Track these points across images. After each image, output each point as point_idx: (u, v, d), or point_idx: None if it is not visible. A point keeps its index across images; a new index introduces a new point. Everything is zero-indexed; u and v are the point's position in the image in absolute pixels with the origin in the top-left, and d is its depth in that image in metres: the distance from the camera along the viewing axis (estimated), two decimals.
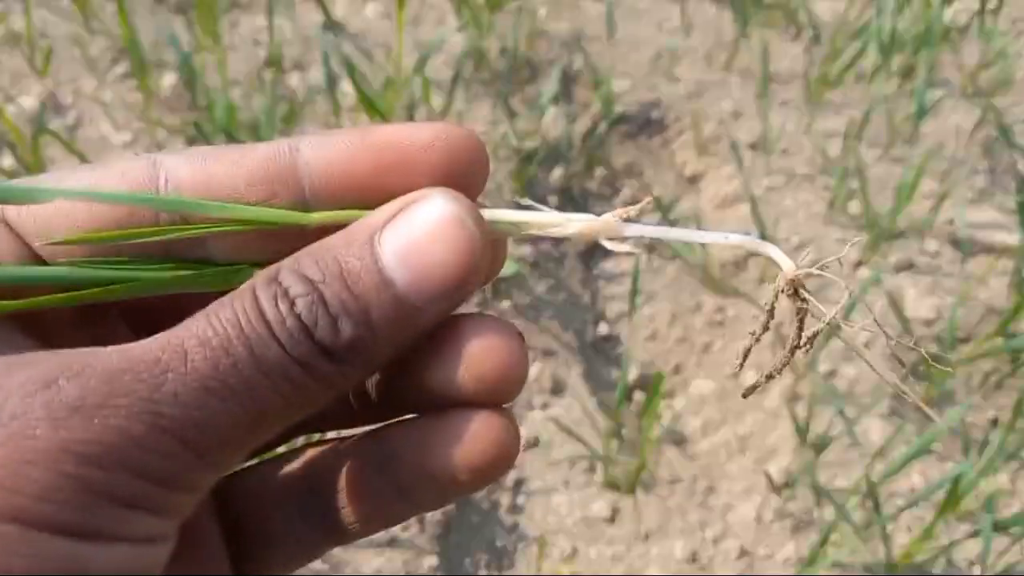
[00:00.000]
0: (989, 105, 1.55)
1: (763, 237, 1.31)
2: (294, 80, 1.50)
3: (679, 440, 1.25)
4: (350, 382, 0.24)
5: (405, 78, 1.36)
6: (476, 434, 0.25)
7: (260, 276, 0.23)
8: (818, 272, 0.24)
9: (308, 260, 0.23)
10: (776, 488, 1.16)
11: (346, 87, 1.43)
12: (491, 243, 0.25)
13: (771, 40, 1.70)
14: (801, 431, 1.10)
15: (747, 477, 1.18)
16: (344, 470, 0.27)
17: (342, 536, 0.27)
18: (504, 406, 0.25)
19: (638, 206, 0.25)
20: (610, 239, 0.25)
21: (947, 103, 1.62)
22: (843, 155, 1.50)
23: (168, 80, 1.47)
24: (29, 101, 1.42)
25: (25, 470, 0.20)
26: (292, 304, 0.23)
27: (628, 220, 0.25)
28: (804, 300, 0.25)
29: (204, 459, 0.22)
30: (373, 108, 1.25)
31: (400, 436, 0.26)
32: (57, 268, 0.25)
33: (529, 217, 0.26)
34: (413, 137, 0.25)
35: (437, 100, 1.46)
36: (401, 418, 0.27)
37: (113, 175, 0.25)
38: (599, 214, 0.26)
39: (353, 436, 0.28)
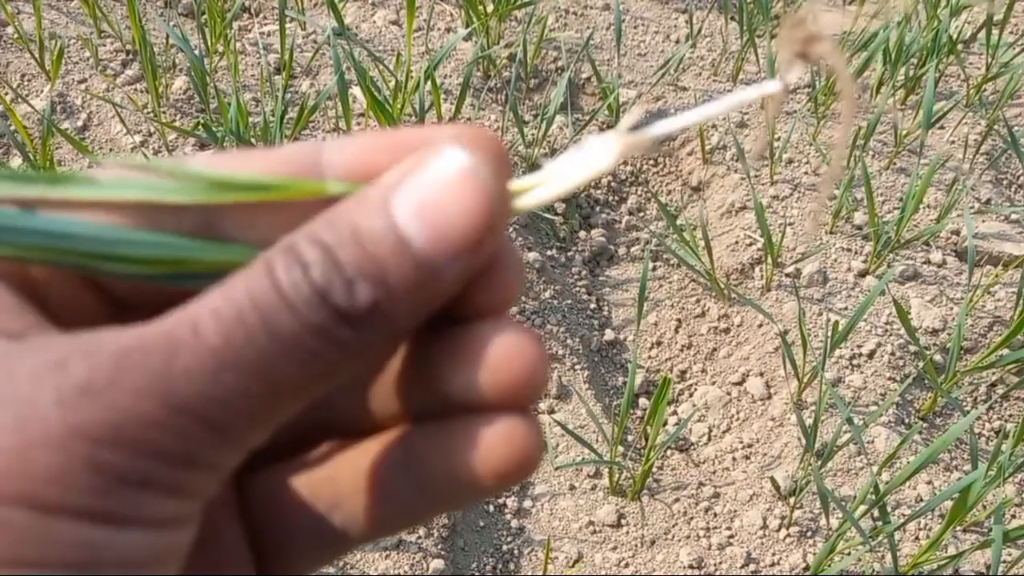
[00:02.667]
0: (995, 116, 1.55)
1: (768, 244, 1.32)
2: (304, 85, 1.51)
3: (684, 446, 1.25)
4: (371, 350, 0.23)
5: (414, 84, 1.37)
6: (500, 438, 0.24)
7: (275, 247, 0.23)
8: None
9: (322, 224, 0.23)
10: (782, 496, 1.15)
11: (356, 93, 1.44)
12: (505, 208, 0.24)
13: (777, 51, 1.70)
14: (807, 439, 1.10)
15: (753, 484, 1.18)
16: (368, 471, 0.27)
17: (364, 537, 0.27)
18: (526, 410, 0.25)
19: (636, 116, 0.24)
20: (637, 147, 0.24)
21: (953, 114, 1.63)
22: (849, 165, 1.50)
23: (178, 83, 1.47)
24: (39, 102, 1.43)
25: (34, 454, 0.20)
26: (306, 269, 0.22)
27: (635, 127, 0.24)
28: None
29: (221, 435, 0.21)
30: (383, 113, 1.25)
31: (424, 439, 0.26)
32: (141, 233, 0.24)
33: (548, 174, 0.25)
34: (434, 138, 0.24)
35: (446, 107, 1.47)
36: (424, 422, 0.27)
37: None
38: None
39: (377, 439, 0.27)
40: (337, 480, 0.27)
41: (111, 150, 1.40)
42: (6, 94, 1.42)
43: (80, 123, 1.43)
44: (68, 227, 0.23)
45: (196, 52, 1.37)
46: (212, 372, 0.21)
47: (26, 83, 1.47)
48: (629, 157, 0.22)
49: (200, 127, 1.31)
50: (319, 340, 0.22)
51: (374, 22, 1.68)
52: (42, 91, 1.45)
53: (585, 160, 0.24)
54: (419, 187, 0.22)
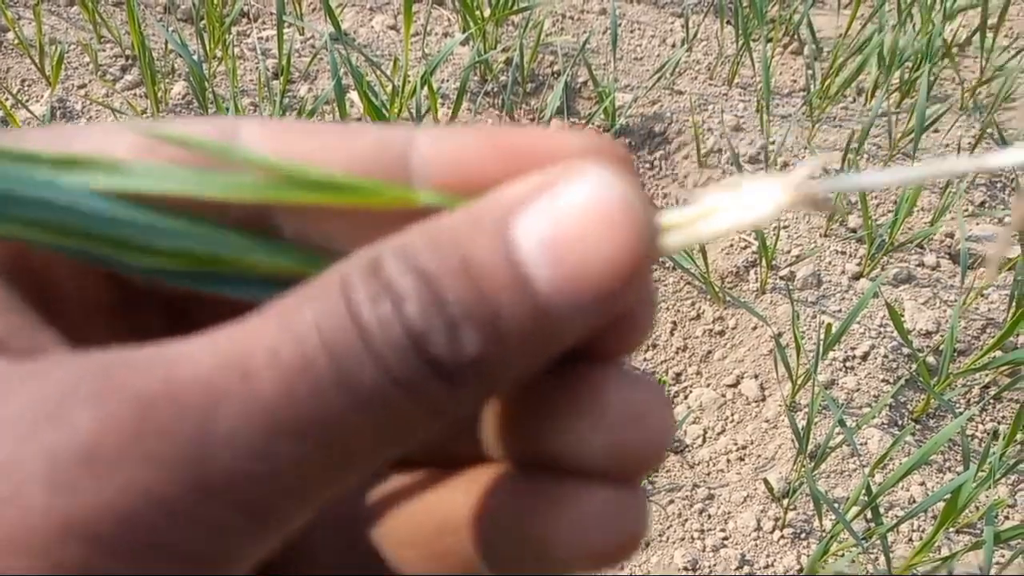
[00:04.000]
0: (988, 120, 1.56)
1: (763, 247, 1.33)
2: (302, 90, 1.52)
3: (679, 448, 1.26)
4: (461, 411, 0.18)
5: (411, 89, 1.38)
6: (607, 518, 0.19)
7: (354, 264, 0.17)
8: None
9: (421, 242, 0.17)
10: (776, 497, 1.16)
11: (353, 98, 1.45)
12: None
13: (773, 55, 1.72)
14: (800, 441, 1.11)
15: (747, 486, 1.18)
16: (401, 510, 0.22)
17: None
18: (637, 483, 0.20)
19: (811, 167, 0.20)
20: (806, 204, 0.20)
21: (947, 118, 1.64)
22: (843, 169, 1.51)
23: (177, 88, 1.48)
24: (39, 108, 1.44)
25: (8, 559, 0.14)
26: (398, 304, 0.16)
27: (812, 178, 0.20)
28: None
29: (263, 524, 0.16)
30: (380, 118, 1.26)
31: (496, 491, 0.21)
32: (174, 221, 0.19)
33: (700, 212, 0.20)
34: (560, 146, 0.19)
35: (442, 111, 1.48)
36: (495, 466, 0.21)
37: (186, 131, 0.20)
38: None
39: (468, 477, 0.22)
40: (368, 514, 0.22)
41: None
42: (6, 99, 1.43)
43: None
44: (86, 203, 0.18)
45: (195, 57, 1.38)
46: (263, 438, 0.16)
47: (26, 88, 1.48)
48: (791, 210, 0.19)
49: None
50: (405, 397, 0.17)
51: (372, 27, 1.69)
52: (42, 96, 1.47)
53: (745, 205, 0.20)
54: (551, 214, 0.17)
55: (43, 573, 0.14)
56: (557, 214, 0.17)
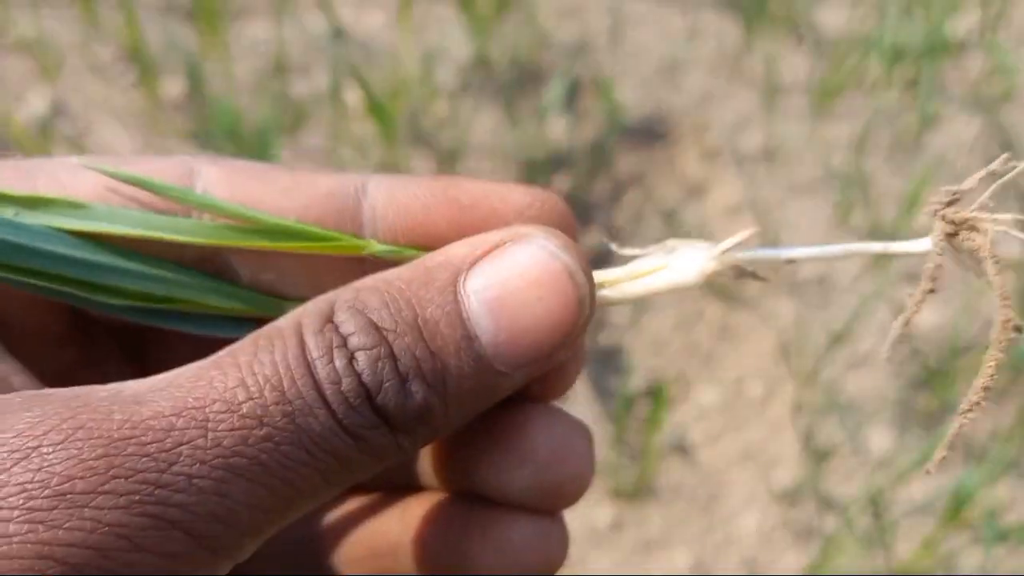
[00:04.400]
0: (992, 117, 1.55)
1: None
2: (299, 86, 1.51)
3: (683, 449, 1.26)
4: (403, 456, 0.19)
5: (410, 85, 1.37)
6: (532, 543, 0.21)
7: (308, 315, 0.18)
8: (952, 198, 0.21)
9: (374, 298, 0.18)
10: (780, 497, 1.16)
11: (351, 94, 1.44)
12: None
13: (776, 50, 1.71)
14: (804, 441, 1.11)
15: (751, 486, 1.18)
16: (349, 531, 0.24)
17: None
18: (559, 514, 0.22)
19: (740, 237, 0.22)
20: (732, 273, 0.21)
21: (950, 114, 1.63)
22: (847, 165, 1.50)
23: (174, 86, 1.47)
24: (37, 106, 1.43)
25: None
26: (352, 358, 0.18)
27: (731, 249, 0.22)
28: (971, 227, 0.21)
29: (217, 555, 0.18)
30: (380, 114, 1.25)
31: (434, 517, 0.22)
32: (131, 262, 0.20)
33: (636, 270, 0.21)
34: (506, 198, 0.21)
35: (441, 107, 1.47)
36: (432, 494, 0.23)
37: (139, 171, 0.21)
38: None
39: (417, 501, 0.24)
40: (314, 530, 0.24)
41: (110, 154, 1.40)
42: (2, 100, 1.42)
43: (79, 127, 1.44)
44: (51, 244, 0.19)
45: (191, 55, 1.37)
46: (220, 481, 0.17)
47: (25, 86, 1.47)
48: (714, 276, 0.21)
49: (197, 130, 1.32)
50: (352, 444, 0.18)
51: (368, 22, 1.68)
52: (39, 95, 1.46)
53: (673, 269, 0.22)
54: (498, 277, 0.19)
55: None
56: (503, 278, 0.19)
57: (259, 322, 0.19)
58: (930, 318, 1.34)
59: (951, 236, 0.22)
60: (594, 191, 1.54)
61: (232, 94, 1.25)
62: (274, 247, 0.20)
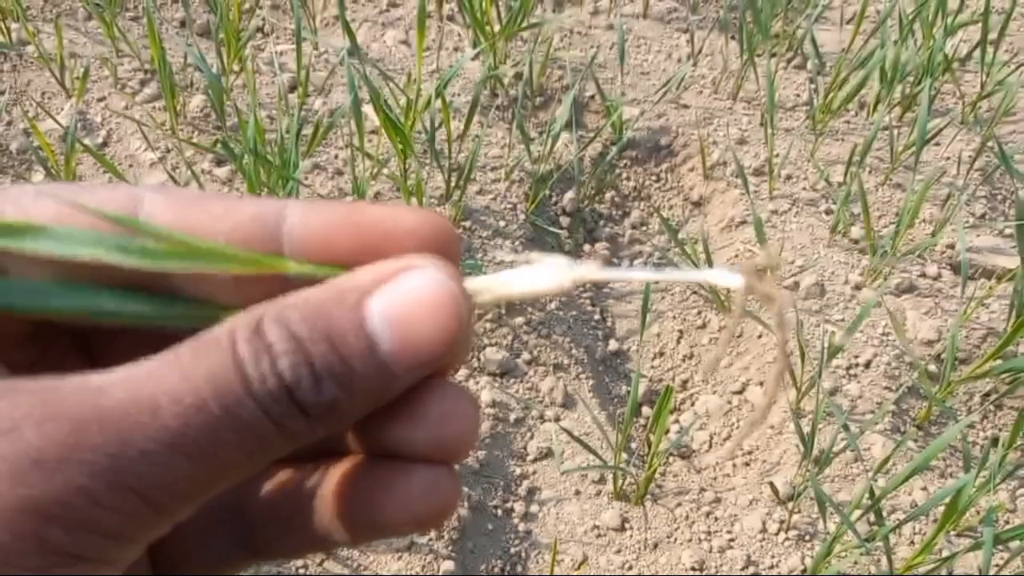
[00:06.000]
0: (989, 134, 1.59)
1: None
2: (318, 104, 1.55)
3: (686, 453, 1.29)
4: (315, 438, 0.24)
5: (424, 103, 1.41)
6: (427, 490, 0.26)
7: (240, 325, 0.23)
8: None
9: (295, 313, 0.23)
10: (781, 501, 1.19)
11: (368, 111, 1.49)
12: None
13: (776, 69, 1.75)
14: (805, 446, 1.14)
15: (753, 490, 1.21)
16: (280, 497, 0.28)
17: (266, 556, 0.29)
18: (452, 465, 0.27)
19: (597, 261, 0.27)
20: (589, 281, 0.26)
21: (948, 132, 1.67)
22: (846, 181, 1.54)
23: (196, 101, 1.52)
24: (62, 118, 1.47)
25: None
26: (274, 361, 0.22)
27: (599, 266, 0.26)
28: (766, 295, 0.25)
29: (161, 515, 0.22)
30: (395, 131, 1.30)
31: (349, 477, 0.27)
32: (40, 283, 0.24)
33: (504, 280, 0.26)
34: (399, 221, 0.25)
35: (455, 124, 1.51)
36: (346, 457, 0.28)
37: (91, 200, 0.25)
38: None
39: (337, 466, 0.28)
40: (244, 500, 0.28)
41: (131, 166, 1.44)
42: (28, 112, 1.47)
43: (100, 140, 1.48)
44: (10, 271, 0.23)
45: (213, 71, 1.42)
46: (166, 457, 0.21)
47: (47, 101, 1.52)
48: (576, 284, 0.25)
49: (219, 144, 1.36)
50: (274, 429, 0.23)
51: (385, 42, 1.73)
52: (62, 109, 1.50)
53: (535, 278, 0.26)
54: (395, 298, 0.23)
55: (6, 539, 0.20)
56: (400, 300, 0.24)
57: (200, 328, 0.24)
58: (926, 330, 1.37)
59: (763, 299, 0.27)
60: (600, 205, 1.58)
61: (255, 109, 1.29)
62: (207, 269, 0.24)
